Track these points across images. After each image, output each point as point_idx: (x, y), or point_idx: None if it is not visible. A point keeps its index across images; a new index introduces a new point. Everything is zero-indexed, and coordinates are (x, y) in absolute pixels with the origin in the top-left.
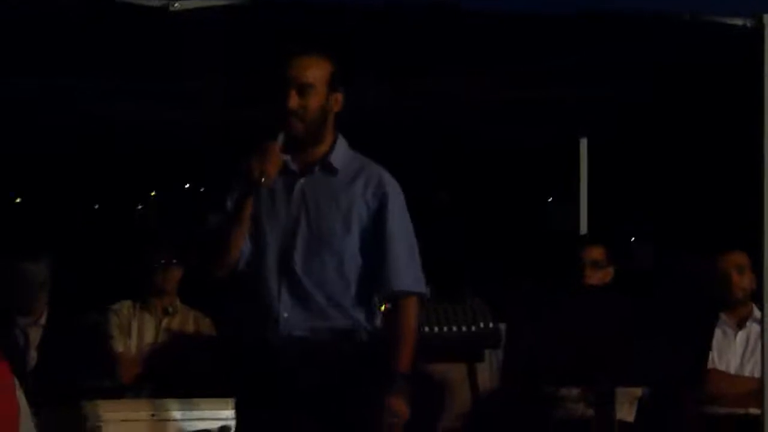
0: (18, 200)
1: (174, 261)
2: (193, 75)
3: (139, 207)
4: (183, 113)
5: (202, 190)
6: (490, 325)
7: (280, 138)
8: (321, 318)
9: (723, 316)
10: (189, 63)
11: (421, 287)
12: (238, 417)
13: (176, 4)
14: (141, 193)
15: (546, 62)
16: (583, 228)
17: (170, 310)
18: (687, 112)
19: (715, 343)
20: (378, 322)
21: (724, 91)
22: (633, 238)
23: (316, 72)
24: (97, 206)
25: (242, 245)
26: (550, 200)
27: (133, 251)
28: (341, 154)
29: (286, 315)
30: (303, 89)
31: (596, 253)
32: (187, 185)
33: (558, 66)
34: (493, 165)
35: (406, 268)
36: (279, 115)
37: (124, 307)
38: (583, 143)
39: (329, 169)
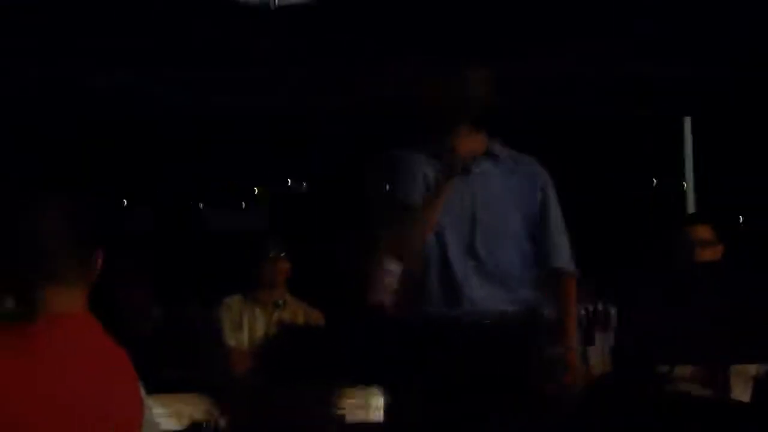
0: (124, 198)
1: (283, 254)
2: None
3: (245, 202)
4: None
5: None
6: (600, 307)
7: (466, 125)
8: (503, 300)
9: None
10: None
11: (574, 267)
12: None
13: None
14: (249, 187)
15: (650, 38)
16: (691, 207)
17: (280, 302)
18: None
19: None
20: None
21: None
22: (742, 217)
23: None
24: (202, 203)
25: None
26: (655, 181)
27: (243, 244)
28: (495, 143)
29: (474, 296)
30: (483, 79)
31: (704, 231)
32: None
33: (662, 42)
34: (598, 143)
35: (566, 249)
36: (464, 103)
37: (235, 301)
38: (688, 121)
39: (494, 158)
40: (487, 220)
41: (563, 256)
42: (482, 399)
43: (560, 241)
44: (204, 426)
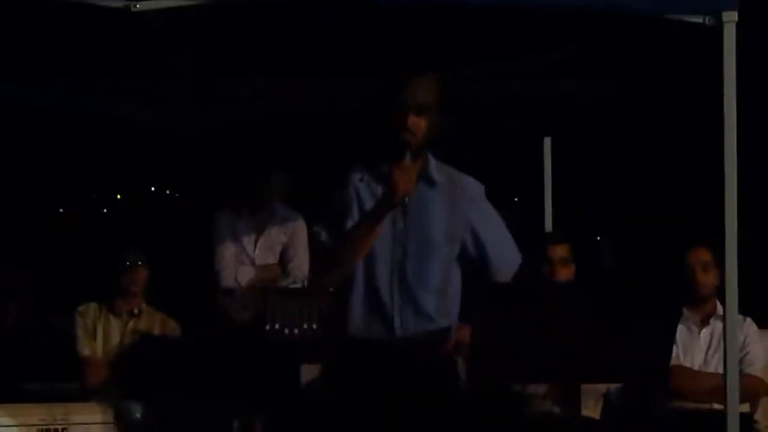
0: None
1: (140, 262)
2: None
3: (106, 209)
4: (150, 113)
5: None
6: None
7: (408, 156)
8: (429, 322)
9: (687, 313)
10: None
11: (518, 256)
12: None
13: (138, 5)
14: (108, 193)
15: (513, 58)
16: (548, 226)
17: (136, 312)
18: (651, 110)
19: (679, 339)
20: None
21: (687, 87)
22: (597, 236)
23: (430, 92)
24: (62, 208)
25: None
26: (515, 199)
27: (100, 252)
28: (435, 166)
29: (399, 319)
30: (420, 109)
31: (561, 250)
32: (154, 187)
33: (524, 62)
34: (463, 159)
35: (505, 251)
36: (400, 133)
37: (90, 309)
38: (547, 142)
39: (430, 182)
40: (418, 246)
41: (504, 257)
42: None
43: (498, 246)
44: None
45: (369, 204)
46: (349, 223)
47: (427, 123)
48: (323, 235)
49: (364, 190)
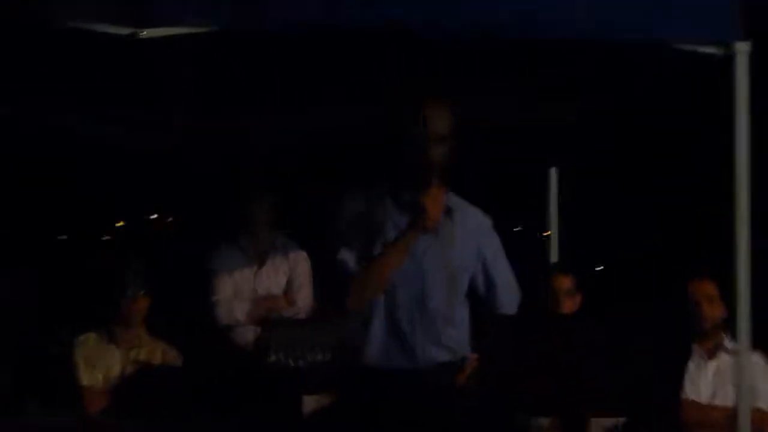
0: None
1: (141, 292)
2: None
3: (107, 237)
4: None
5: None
6: None
7: (435, 183)
8: (450, 353)
9: (694, 346)
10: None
11: (519, 293)
12: None
13: (144, 33)
14: (107, 222)
15: (516, 84)
16: (554, 256)
17: (137, 341)
18: (658, 139)
19: (686, 372)
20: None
21: (695, 117)
22: (601, 267)
23: (449, 120)
24: (63, 235)
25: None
26: (518, 229)
27: (100, 282)
28: (450, 196)
29: (422, 350)
30: (443, 137)
31: (566, 281)
32: (153, 215)
33: (527, 89)
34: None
35: (511, 288)
36: (425, 161)
37: (90, 338)
38: (553, 172)
39: (448, 211)
40: (438, 276)
41: (510, 300)
42: None
43: (507, 286)
44: None
45: (392, 232)
46: (377, 250)
47: (447, 151)
48: (351, 262)
49: (389, 217)
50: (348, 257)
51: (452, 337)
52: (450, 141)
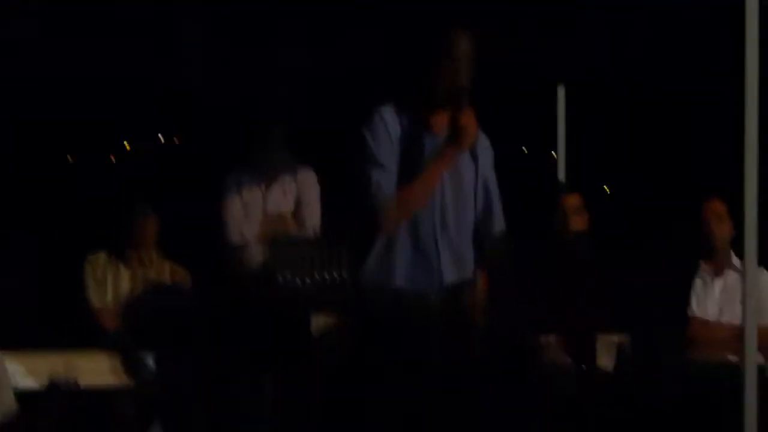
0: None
1: (150, 213)
2: None
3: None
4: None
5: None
6: None
7: (466, 102)
8: (469, 271)
9: (702, 264)
10: None
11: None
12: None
13: None
14: (118, 142)
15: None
16: (561, 175)
17: (147, 262)
18: (671, 59)
19: (694, 290)
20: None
21: (707, 36)
22: (609, 186)
23: (472, 42)
24: (72, 157)
25: None
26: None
27: (111, 201)
28: None
29: (447, 269)
30: (469, 58)
31: (574, 200)
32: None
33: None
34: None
35: (501, 215)
36: (457, 81)
37: (100, 258)
38: (561, 90)
39: None
40: (455, 196)
41: (501, 220)
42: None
43: (499, 206)
44: (62, 384)
45: (424, 154)
46: (411, 172)
47: (473, 72)
48: (386, 184)
49: (419, 138)
50: (383, 179)
51: (468, 254)
52: (474, 62)
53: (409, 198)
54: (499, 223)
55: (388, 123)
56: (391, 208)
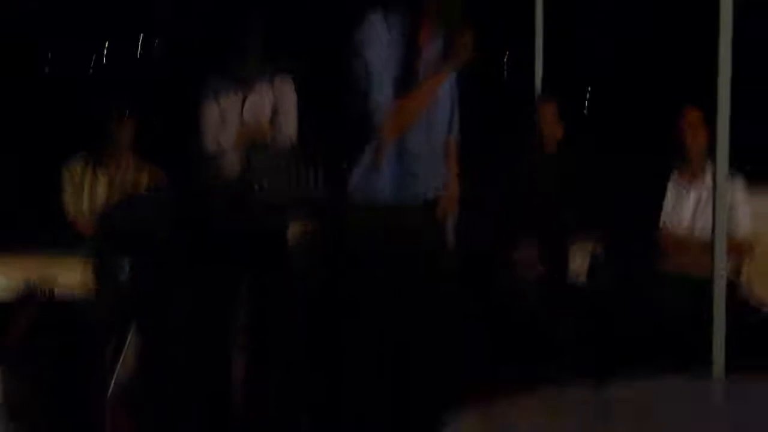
0: None
1: (127, 114)
2: None
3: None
4: None
5: None
6: None
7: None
8: (440, 183)
9: (676, 173)
10: None
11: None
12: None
13: None
14: (97, 45)
15: None
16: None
17: (124, 164)
18: None
19: (667, 199)
20: None
21: None
22: (587, 95)
23: None
24: (52, 56)
25: None
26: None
27: (89, 105)
28: None
29: (428, 180)
30: None
31: (550, 109)
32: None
33: None
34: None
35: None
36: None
37: (78, 164)
38: None
39: None
40: (439, 106)
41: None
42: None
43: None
44: (37, 289)
45: (420, 73)
46: (407, 88)
47: None
48: (384, 100)
49: (416, 57)
50: (381, 96)
51: (441, 168)
52: None
53: (404, 113)
54: (456, 129)
55: (380, 31)
56: (390, 121)
